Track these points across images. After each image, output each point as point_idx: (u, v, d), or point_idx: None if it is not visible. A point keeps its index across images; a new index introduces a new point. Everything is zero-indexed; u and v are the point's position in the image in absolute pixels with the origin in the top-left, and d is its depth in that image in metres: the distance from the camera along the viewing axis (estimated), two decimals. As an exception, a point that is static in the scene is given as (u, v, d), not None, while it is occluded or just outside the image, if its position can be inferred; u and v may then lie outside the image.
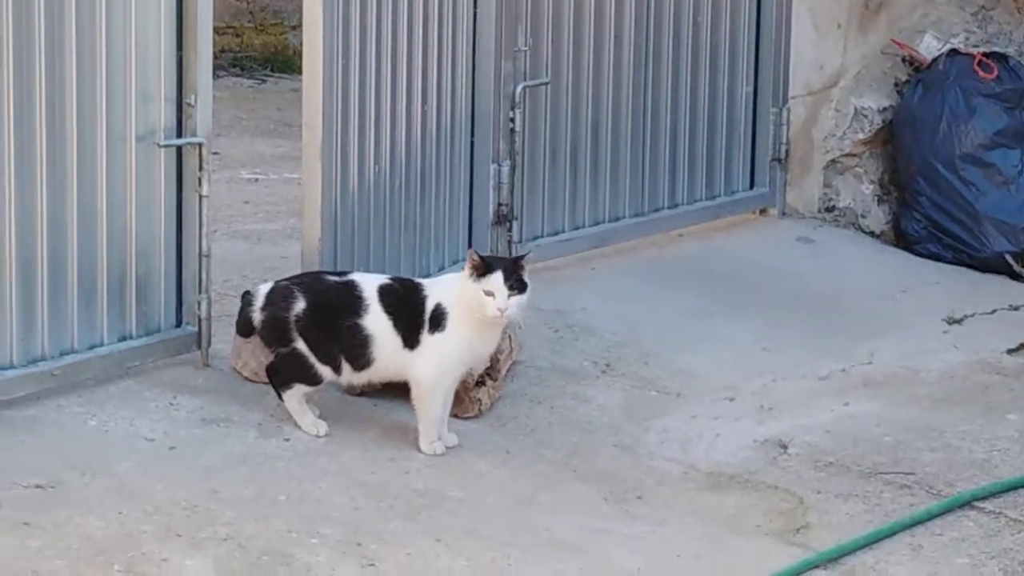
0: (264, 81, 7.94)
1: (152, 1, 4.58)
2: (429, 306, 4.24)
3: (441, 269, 4.98)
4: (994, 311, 5.84)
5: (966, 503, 4.19)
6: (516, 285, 4.18)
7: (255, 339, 4.53)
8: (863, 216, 6.49)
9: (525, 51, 5.43)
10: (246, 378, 4.66)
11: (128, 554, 3.69)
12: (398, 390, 4.46)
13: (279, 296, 4.30)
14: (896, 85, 6.48)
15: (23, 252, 4.38)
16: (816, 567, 3.80)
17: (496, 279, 4.16)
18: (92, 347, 4.56)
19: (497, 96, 5.46)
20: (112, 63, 4.49)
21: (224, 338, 4.78)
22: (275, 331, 4.34)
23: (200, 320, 4.75)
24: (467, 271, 4.20)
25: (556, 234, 5.73)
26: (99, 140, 4.46)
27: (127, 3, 4.52)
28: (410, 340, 4.24)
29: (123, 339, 4.63)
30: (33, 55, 4.33)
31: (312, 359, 4.31)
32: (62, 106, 4.37)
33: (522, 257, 4.39)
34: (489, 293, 4.15)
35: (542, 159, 5.64)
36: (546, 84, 5.55)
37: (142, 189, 4.63)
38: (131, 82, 4.53)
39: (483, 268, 4.19)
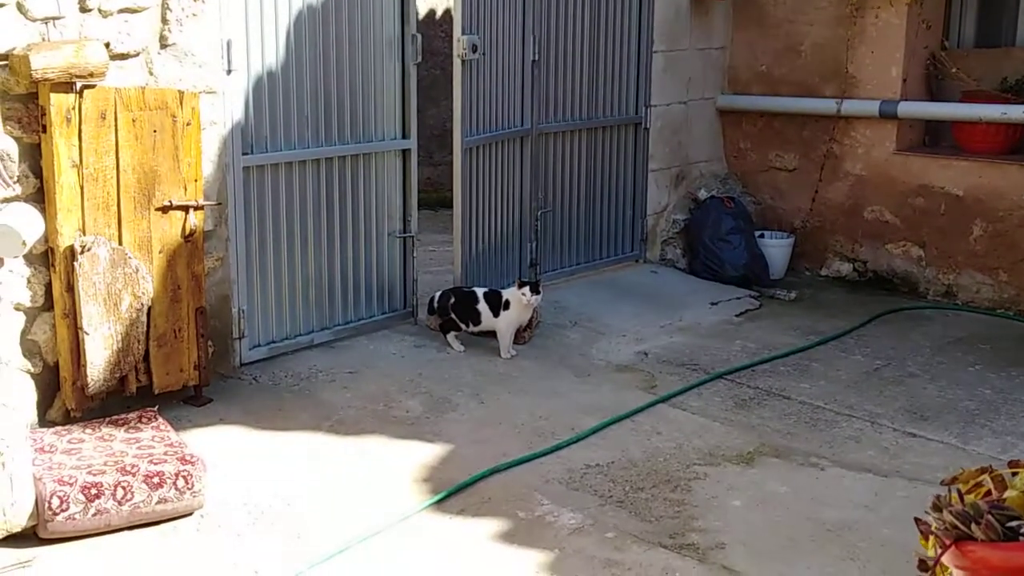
0: (437, 211, 8.67)
1: (395, 187, 5.75)
2: (503, 299, 5.40)
3: (508, 285, 5.62)
4: (730, 300, 6.65)
5: (719, 376, 5.26)
6: (535, 291, 5.34)
7: (435, 315, 5.63)
8: (677, 261, 7.29)
9: (542, 196, 6.41)
10: (432, 329, 5.71)
11: (385, 399, 4.86)
12: (492, 335, 5.52)
13: (444, 296, 5.52)
14: (690, 209, 7.34)
15: (344, 281, 5.60)
16: (661, 402, 4.88)
17: (527, 289, 5.32)
18: (371, 317, 5.76)
19: (530, 216, 6.43)
20: (379, 205, 5.72)
21: (422, 313, 5.84)
22: (443, 310, 5.51)
23: (414, 305, 5.88)
24: (516, 285, 5.40)
25: (555, 270, 6.65)
26: (373, 234, 5.71)
27: (381, 187, 5.67)
28: (495, 313, 5.40)
29: (383, 313, 5.81)
30: (346, 207, 5.55)
31: (458, 321, 5.47)
32: (357, 222, 5.60)
33: (539, 280, 5.75)
34: (524, 294, 5.31)
35: (550, 239, 6.60)
36: (550, 211, 6.54)
37: (391, 254, 5.81)
38: (385, 212, 5.73)
39: (521, 284, 5.35)
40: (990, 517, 1.96)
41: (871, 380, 5.33)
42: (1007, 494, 2.06)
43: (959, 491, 2.13)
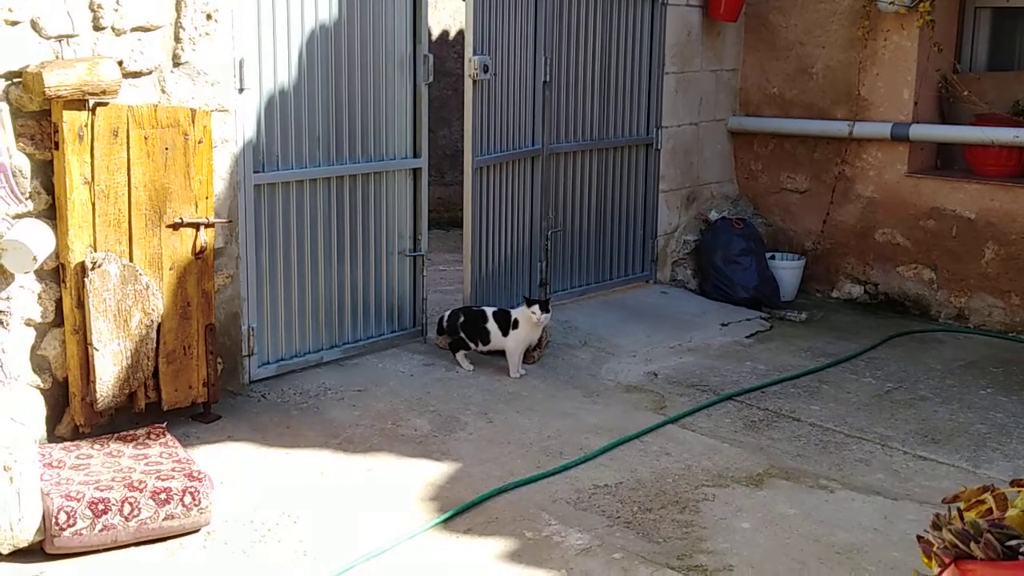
0: (448, 231, 8.82)
1: (405, 206, 5.73)
2: (512, 318, 5.41)
3: (518, 304, 5.61)
4: (740, 321, 6.71)
5: (728, 398, 5.29)
6: (544, 309, 5.33)
7: (444, 334, 5.66)
8: (687, 282, 7.38)
9: (552, 216, 6.57)
10: (441, 348, 5.76)
11: (393, 417, 4.81)
12: (501, 355, 5.51)
13: (453, 315, 5.53)
14: (701, 230, 7.43)
15: (353, 299, 5.60)
16: (671, 423, 4.90)
17: (536, 307, 5.32)
18: (380, 335, 5.76)
19: (540, 236, 6.52)
20: (389, 224, 5.72)
21: (432, 332, 5.90)
22: (452, 329, 5.52)
23: (423, 324, 5.92)
24: (525, 304, 5.39)
25: (564, 290, 6.71)
26: (383, 253, 5.71)
27: (392, 206, 5.66)
28: (504, 332, 5.40)
29: (393, 332, 5.82)
30: (357, 226, 5.51)
31: (467, 340, 5.48)
32: (367, 241, 5.57)
33: (548, 299, 5.67)
34: (534, 312, 5.30)
35: (560, 259, 6.66)
36: (560, 230, 6.61)
37: (400, 272, 5.81)
38: (395, 230, 5.73)
39: (530, 302, 5.35)
40: (989, 536, 1.95)
41: (882, 403, 5.30)
42: (1008, 513, 2.05)
43: (959, 509, 2.12)
